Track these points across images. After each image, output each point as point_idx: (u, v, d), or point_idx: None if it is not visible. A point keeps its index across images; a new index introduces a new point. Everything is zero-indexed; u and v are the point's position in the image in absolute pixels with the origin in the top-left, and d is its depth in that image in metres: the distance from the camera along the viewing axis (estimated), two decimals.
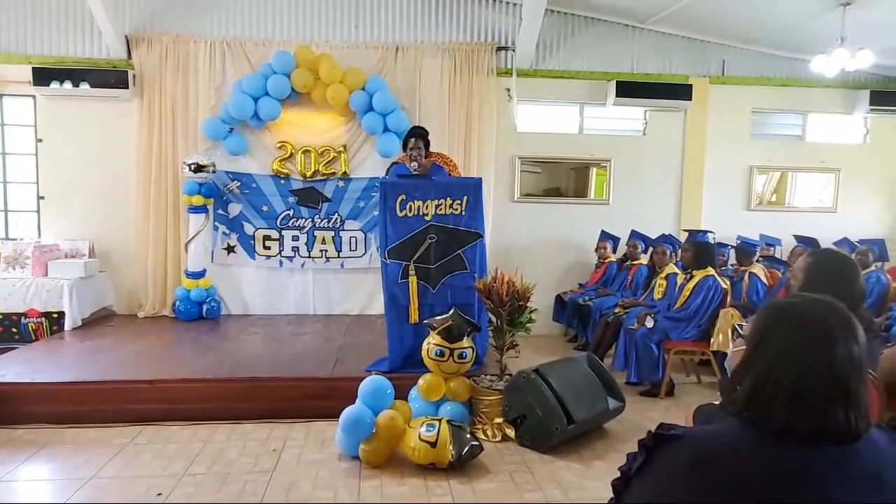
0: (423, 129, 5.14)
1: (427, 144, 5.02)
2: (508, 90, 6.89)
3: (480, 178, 4.86)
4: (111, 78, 6.32)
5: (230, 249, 6.68)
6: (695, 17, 6.57)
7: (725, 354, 4.66)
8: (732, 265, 6.43)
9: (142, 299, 6.63)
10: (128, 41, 6.45)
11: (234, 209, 6.65)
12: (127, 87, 6.30)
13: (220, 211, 6.62)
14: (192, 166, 6.15)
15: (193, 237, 6.40)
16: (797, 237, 6.40)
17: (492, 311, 4.22)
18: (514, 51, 6.80)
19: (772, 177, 7.62)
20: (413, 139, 4.95)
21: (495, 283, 4.15)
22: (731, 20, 6.60)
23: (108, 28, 6.18)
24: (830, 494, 1.05)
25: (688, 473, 1.09)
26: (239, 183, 6.60)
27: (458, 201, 4.52)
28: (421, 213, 4.51)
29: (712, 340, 4.87)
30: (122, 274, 6.67)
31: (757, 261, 6.28)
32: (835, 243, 6.33)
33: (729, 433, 1.15)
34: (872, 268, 5.68)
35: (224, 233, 6.66)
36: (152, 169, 6.45)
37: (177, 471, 3.43)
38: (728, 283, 5.14)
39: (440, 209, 4.51)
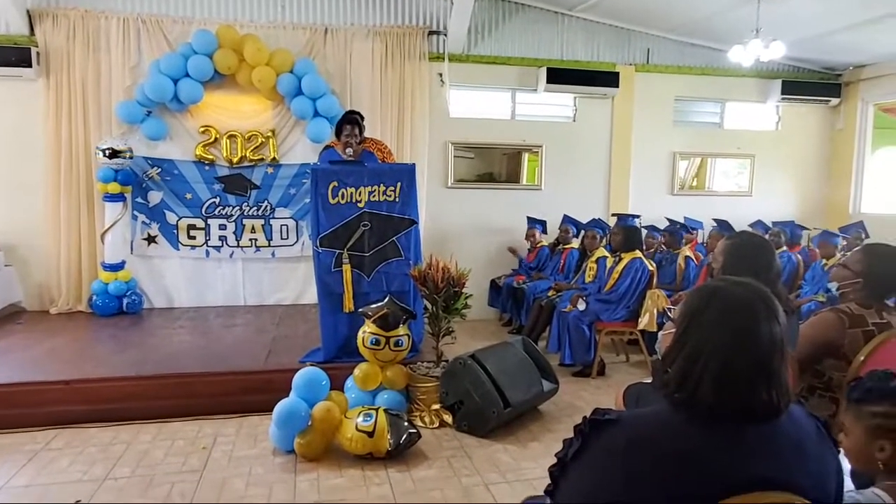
0: (357, 113, 4.97)
1: (361, 130, 4.89)
2: (441, 75, 6.83)
3: (414, 164, 4.80)
4: (12, 56, 5.80)
5: (151, 239, 6.34)
6: (620, 5, 6.72)
7: (653, 333, 4.88)
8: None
9: (54, 294, 6.20)
10: (30, 16, 5.95)
11: (155, 197, 6.29)
12: (30, 66, 5.79)
13: (138, 199, 6.25)
14: (107, 152, 5.76)
15: (110, 227, 6.03)
16: (715, 220, 6.72)
17: (427, 297, 4.22)
18: (445, 35, 6.74)
19: (693, 162, 7.96)
20: (349, 126, 4.75)
21: (430, 269, 4.14)
22: (654, 9, 6.78)
23: (6, 0, 5.68)
24: (758, 469, 1.09)
25: (624, 456, 1.11)
26: (159, 169, 6.25)
27: (392, 188, 4.46)
28: (354, 200, 4.41)
29: (640, 320, 5.06)
30: (30, 268, 6.21)
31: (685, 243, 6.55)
32: (750, 225, 6.70)
33: (661, 415, 1.18)
34: (784, 248, 6.04)
35: (144, 222, 6.30)
36: (62, 154, 6.01)
37: (97, 475, 3.24)
38: (654, 265, 5.35)
39: (373, 196, 4.43)
